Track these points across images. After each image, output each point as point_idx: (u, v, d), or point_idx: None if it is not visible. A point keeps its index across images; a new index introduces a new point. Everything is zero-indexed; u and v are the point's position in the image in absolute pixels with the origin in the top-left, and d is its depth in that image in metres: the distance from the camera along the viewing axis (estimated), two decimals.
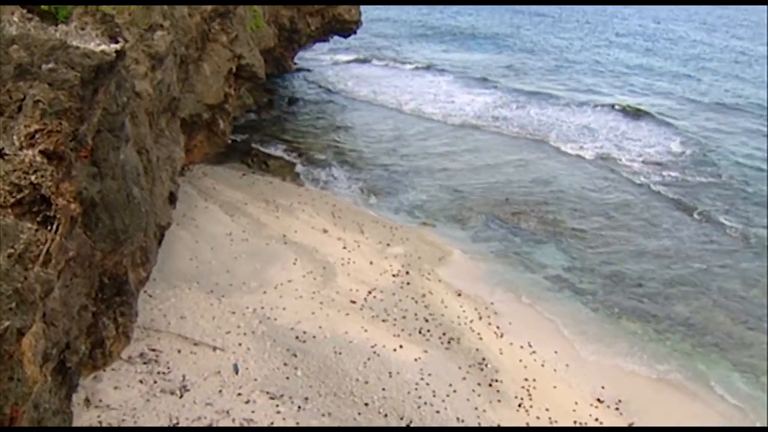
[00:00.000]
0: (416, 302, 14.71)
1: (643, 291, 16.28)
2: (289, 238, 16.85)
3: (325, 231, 17.63)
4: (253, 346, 12.18)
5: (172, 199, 14.32)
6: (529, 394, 12.18)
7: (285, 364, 11.83)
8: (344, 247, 16.81)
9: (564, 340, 14.13)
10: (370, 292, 14.82)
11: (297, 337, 12.71)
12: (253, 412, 10.46)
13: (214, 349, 11.90)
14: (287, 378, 11.48)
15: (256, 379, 11.29)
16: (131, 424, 9.62)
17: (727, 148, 27.88)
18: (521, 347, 13.68)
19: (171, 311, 12.80)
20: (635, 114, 32.27)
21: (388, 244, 17.41)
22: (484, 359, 12.97)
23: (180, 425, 9.81)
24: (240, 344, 12.18)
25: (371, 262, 16.28)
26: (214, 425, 9.94)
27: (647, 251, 18.35)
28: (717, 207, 21.70)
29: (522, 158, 25.63)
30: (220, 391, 10.83)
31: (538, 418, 11.56)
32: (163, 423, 9.79)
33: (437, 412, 11.13)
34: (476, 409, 11.57)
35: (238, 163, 21.96)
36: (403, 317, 14.06)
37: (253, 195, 19.33)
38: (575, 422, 11.58)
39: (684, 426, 11.65)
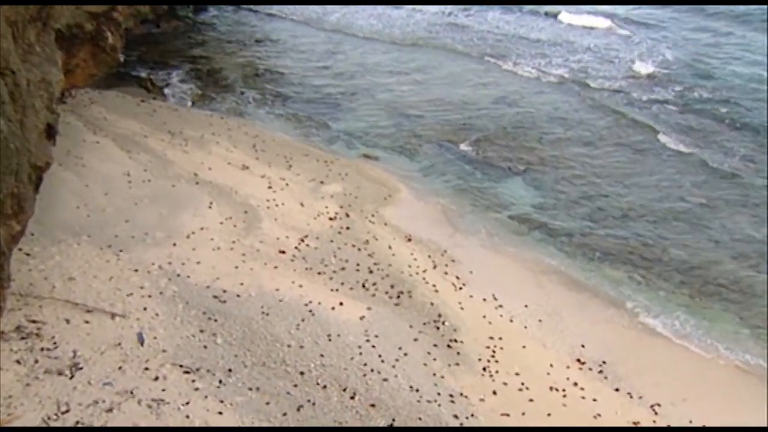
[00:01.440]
0: (358, 250, 14.63)
1: (628, 231, 16.49)
2: (201, 177, 16.44)
3: (246, 167, 17.32)
4: (162, 311, 11.87)
5: (51, 132, 13.56)
6: (495, 356, 12.26)
7: (201, 331, 11.59)
8: (269, 187, 16.56)
9: (536, 290, 14.27)
10: (302, 240, 14.66)
11: (215, 297, 12.45)
12: (164, 390, 10.21)
13: (113, 316, 11.53)
14: (205, 347, 11.26)
15: (165, 351, 11.01)
16: (4, 416, 9.22)
17: (726, 64, 27.85)
18: (484, 300, 13.75)
19: (55, 272, 12.27)
20: (617, 22, 32.04)
21: (323, 182, 17.27)
22: (440, 316, 13.01)
23: (71, 411, 9.47)
24: (145, 309, 11.84)
25: (303, 204, 16.09)
26: (115, 409, 9.64)
27: (633, 184, 18.53)
28: (717, 131, 21.78)
29: (481, 76, 25.37)
30: (121, 367, 10.52)
31: (505, 384, 11.66)
32: (50, 411, 9.41)
33: (385, 380, 11.12)
34: (434, 375, 11.59)
35: (133, 86, 21.31)
36: (343, 269, 13.96)
37: (155, 126, 18.75)
38: (551, 388, 11.73)
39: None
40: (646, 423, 11.20)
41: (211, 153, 17.82)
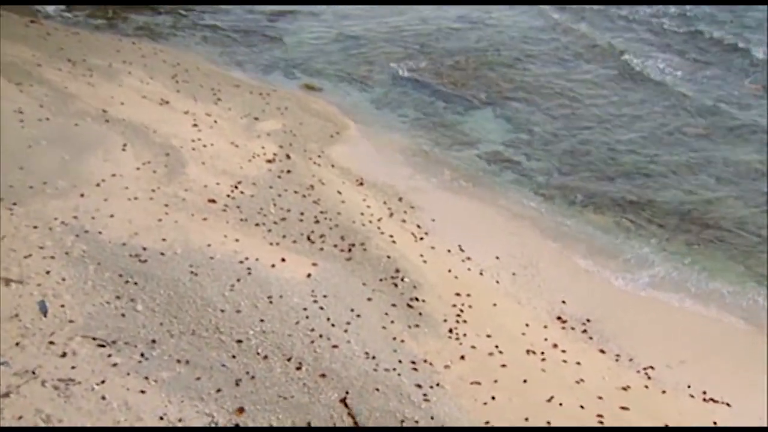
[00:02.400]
0: (302, 197, 14.53)
1: (615, 169, 16.55)
2: (111, 114, 16.02)
3: (166, 102, 17.05)
4: (69, 274, 11.56)
5: None
6: (463, 316, 12.27)
7: (118, 297, 11.32)
8: (195, 125, 16.31)
9: (508, 240, 14.34)
10: (235, 187, 14.50)
11: (134, 256, 12.18)
12: (73, 368, 9.94)
13: (7, 282, 11.17)
14: (122, 315, 11.00)
15: (74, 321, 10.69)
16: None
17: None
18: (449, 252, 13.79)
19: None
20: None
21: (257, 118, 17.16)
22: (398, 271, 12.98)
23: None
24: (48, 273, 11.50)
25: (235, 144, 15.92)
26: (13, 393, 9.39)
27: (619, 115, 18.58)
28: (712, 61, 22.05)
29: None
30: (20, 342, 10.18)
31: (474, 347, 11.66)
32: None
33: (335, 346, 11.03)
34: (392, 339, 11.54)
35: (20, 4, 20.67)
36: (284, 219, 13.86)
37: (50, 52, 18.23)
38: (528, 351, 11.78)
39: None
40: (637, 388, 11.33)
41: (122, 85, 17.39)
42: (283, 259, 12.76)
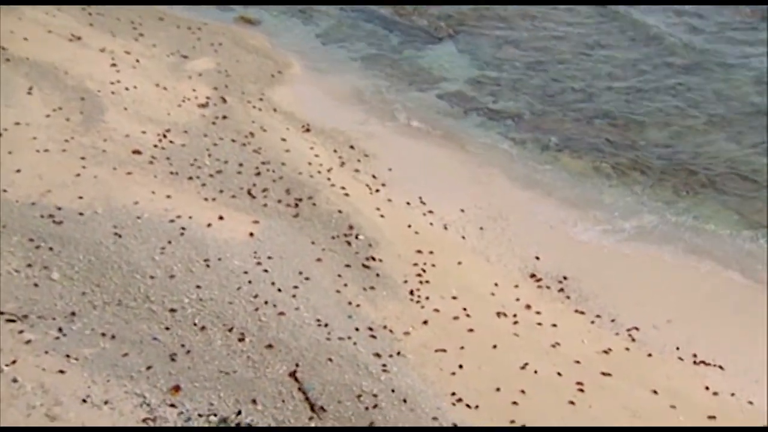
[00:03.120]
0: (241, 146, 14.47)
1: (594, 109, 16.64)
2: (12, 52, 15.71)
3: (77, 38, 16.75)
4: None
5: None
6: (425, 276, 12.34)
7: (29, 265, 11.16)
8: (113, 64, 16.07)
9: (475, 190, 14.41)
10: (163, 136, 14.37)
11: (47, 218, 12.00)
12: None
13: None
14: (35, 285, 10.86)
15: None
16: None
17: None
18: (409, 205, 13.84)
19: None
20: None
21: (187, 56, 17.03)
22: (352, 228, 13.02)
23: None
24: None
25: (162, 87, 15.76)
26: None
27: (600, 47, 18.67)
28: None
29: None
30: None
31: (438, 311, 11.74)
32: None
33: (281, 314, 11.00)
34: (348, 304, 11.58)
35: None
36: (221, 172, 13.76)
37: None
38: (498, 313, 11.89)
39: None
40: (620, 352, 11.49)
41: (22, 18, 17.03)
42: (220, 217, 12.70)
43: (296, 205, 13.34)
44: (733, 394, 10.84)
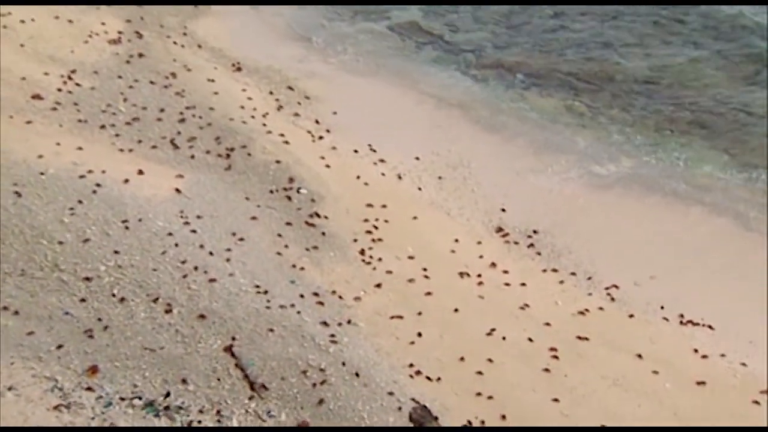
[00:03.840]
0: (162, 89, 14.35)
1: (566, 38, 16.63)
2: None
3: None
4: None
5: None
6: (377, 234, 12.38)
7: None
8: None
9: (432, 134, 14.48)
10: (69, 78, 14.17)
11: None
12: None
13: None
14: None
15: None
16: None
17: None
18: (357, 153, 13.87)
19: None
20: None
21: None
22: (293, 180, 13.01)
23: None
24: None
25: (66, 20, 15.49)
26: None
27: None
28: None
29: None
30: None
31: (391, 272, 11.78)
32: None
33: (213, 281, 10.94)
34: (292, 267, 11.57)
35: None
36: (138, 119, 13.59)
37: None
38: (460, 274, 11.94)
39: None
40: (597, 313, 11.59)
41: None
42: (140, 172, 12.55)
43: (228, 155, 13.27)
44: (723, 355, 10.99)
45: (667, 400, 10.26)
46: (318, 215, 12.50)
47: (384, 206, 12.80)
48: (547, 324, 11.22)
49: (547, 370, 10.45)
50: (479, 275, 11.97)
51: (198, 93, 14.40)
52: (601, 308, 11.70)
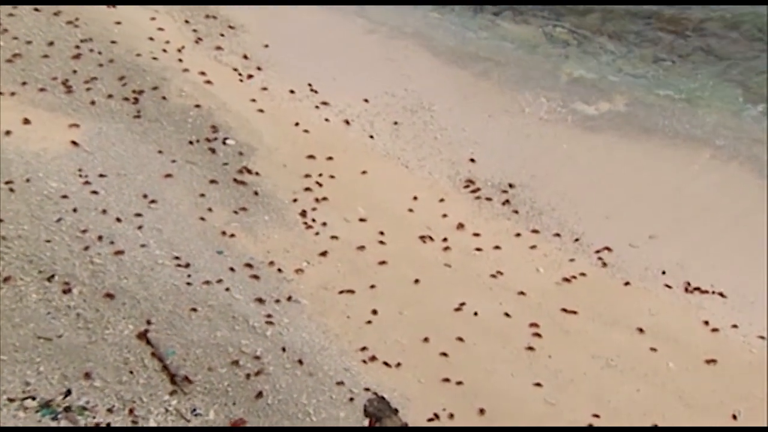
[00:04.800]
0: (50, 17, 14.18)
1: None
2: None
3: None
4: None
5: None
6: (320, 192, 12.39)
7: None
8: None
9: (385, 70, 14.61)
10: None
11: None
12: None
13: None
14: None
15: None
16: None
17: None
18: (294, 94, 13.90)
19: None
20: None
21: None
22: (216, 129, 13.00)
23: None
24: None
25: None
26: None
27: None
28: None
29: None
30: None
31: (337, 238, 11.81)
32: None
33: (120, 253, 10.88)
34: (221, 234, 11.58)
35: None
36: (20, 55, 13.50)
37: None
38: (422, 237, 11.98)
39: None
40: (586, 281, 11.67)
41: None
42: (25, 121, 12.45)
43: (135, 100, 13.18)
44: (736, 327, 11.08)
45: (670, 383, 10.33)
46: (249, 171, 12.52)
47: (329, 159, 12.82)
48: (526, 295, 11.27)
49: (528, 349, 10.51)
50: (444, 239, 12.01)
51: (96, 22, 14.29)
52: (592, 276, 11.76)
